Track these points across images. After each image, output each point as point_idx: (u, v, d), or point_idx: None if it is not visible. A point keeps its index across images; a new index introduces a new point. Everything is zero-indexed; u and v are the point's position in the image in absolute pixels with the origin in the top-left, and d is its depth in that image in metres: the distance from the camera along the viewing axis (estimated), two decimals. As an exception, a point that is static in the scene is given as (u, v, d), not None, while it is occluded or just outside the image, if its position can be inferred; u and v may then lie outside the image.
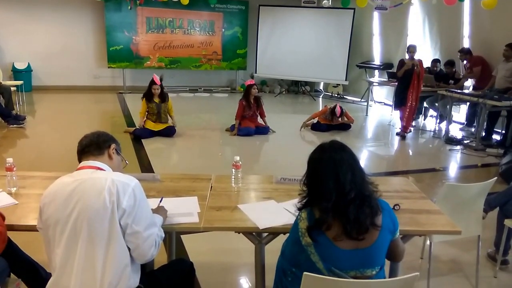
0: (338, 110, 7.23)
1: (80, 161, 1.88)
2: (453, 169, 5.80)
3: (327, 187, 1.62)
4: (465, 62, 7.65)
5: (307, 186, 1.73)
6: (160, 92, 6.47)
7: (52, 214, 1.70)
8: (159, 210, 2.06)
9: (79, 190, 1.68)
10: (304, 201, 1.73)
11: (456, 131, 7.55)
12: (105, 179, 1.70)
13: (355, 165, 1.68)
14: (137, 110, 8.37)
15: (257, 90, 6.93)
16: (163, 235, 1.89)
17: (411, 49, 6.87)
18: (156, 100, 6.48)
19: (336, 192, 1.61)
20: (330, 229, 1.61)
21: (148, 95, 6.49)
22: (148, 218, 1.77)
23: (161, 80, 6.51)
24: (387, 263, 1.78)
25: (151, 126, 6.49)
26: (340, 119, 7.34)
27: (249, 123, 6.83)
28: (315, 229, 1.62)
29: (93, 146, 1.89)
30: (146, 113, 6.55)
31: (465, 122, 7.86)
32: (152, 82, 6.44)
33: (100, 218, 1.65)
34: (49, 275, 2.42)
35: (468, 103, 7.47)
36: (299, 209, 1.74)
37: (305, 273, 1.51)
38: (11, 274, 2.33)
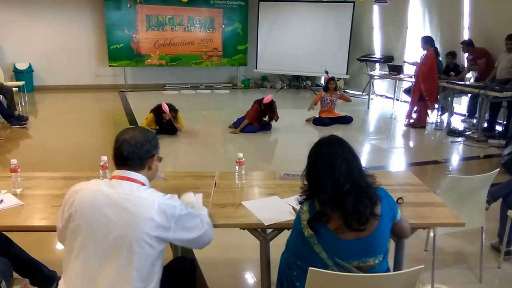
0: (327, 77, 7.41)
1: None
2: (455, 160, 5.80)
3: (323, 180, 1.65)
4: (466, 54, 7.62)
5: (307, 180, 1.76)
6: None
7: (86, 224, 1.62)
8: (181, 190, 2.10)
9: (124, 208, 1.61)
10: (305, 195, 1.76)
11: (457, 123, 7.54)
12: (152, 201, 1.64)
13: (352, 158, 1.70)
14: (139, 107, 8.41)
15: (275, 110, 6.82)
16: (206, 212, 1.96)
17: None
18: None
19: (331, 185, 1.63)
20: (331, 221, 1.64)
21: (157, 114, 6.31)
22: (195, 223, 1.77)
23: (171, 109, 6.30)
24: (391, 255, 1.80)
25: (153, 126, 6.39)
26: (338, 92, 7.51)
27: (255, 123, 6.83)
28: (315, 221, 1.65)
29: (135, 161, 1.72)
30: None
31: (467, 114, 7.85)
32: (161, 111, 6.23)
33: (145, 243, 1.59)
34: (52, 272, 2.46)
35: (469, 95, 7.46)
36: (300, 202, 1.77)
37: (310, 268, 1.53)
38: (17, 274, 2.35)
